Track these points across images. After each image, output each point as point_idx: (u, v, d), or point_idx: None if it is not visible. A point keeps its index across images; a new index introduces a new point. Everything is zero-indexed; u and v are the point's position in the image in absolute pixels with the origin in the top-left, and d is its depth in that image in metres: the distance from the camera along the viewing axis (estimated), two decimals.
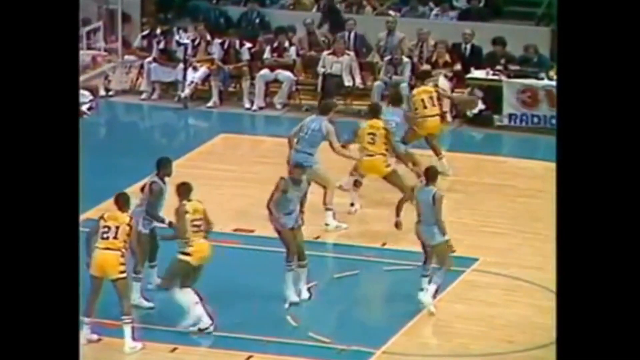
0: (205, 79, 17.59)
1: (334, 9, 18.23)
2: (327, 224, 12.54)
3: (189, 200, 10.24)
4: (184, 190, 10.29)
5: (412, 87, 15.23)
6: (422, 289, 10.75)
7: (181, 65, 17.68)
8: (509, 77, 16.50)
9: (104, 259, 9.86)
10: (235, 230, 12.57)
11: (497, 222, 12.78)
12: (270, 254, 11.86)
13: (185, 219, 10.09)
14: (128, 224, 9.92)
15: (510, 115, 16.37)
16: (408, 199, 11.22)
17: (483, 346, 10.04)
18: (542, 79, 16.42)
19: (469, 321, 10.67)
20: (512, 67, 16.68)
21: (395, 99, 13.77)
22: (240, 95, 17.54)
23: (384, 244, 12.31)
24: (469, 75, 16.78)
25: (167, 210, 10.57)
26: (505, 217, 13.02)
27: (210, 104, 17.44)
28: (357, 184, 13.09)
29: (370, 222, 12.85)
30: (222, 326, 10.27)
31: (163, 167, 10.77)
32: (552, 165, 14.62)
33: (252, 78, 17.43)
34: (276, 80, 17.44)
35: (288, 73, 17.36)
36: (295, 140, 12.50)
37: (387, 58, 17.07)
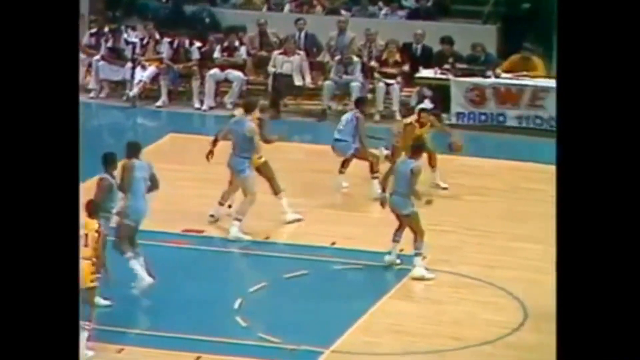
0: (154, 78, 17.53)
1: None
2: (230, 233, 12.33)
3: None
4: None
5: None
6: (389, 253, 11.52)
7: (129, 64, 17.62)
8: (456, 76, 16.64)
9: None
10: (185, 230, 12.57)
11: (444, 220, 12.89)
12: (220, 254, 11.88)
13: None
14: (97, 231, 9.78)
15: (458, 114, 16.50)
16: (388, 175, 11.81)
17: (431, 343, 10.12)
18: (489, 77, 16.57)
19: (416, 318, 10.76)
20: (460, 66, 16.82)
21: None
22: (190, 94, 17.51)
23: (333, 243, 12.38)
24: (417, 75, 16.90)
25: None
26: (453, 215, 13.13)
27: (159, 103, 17.39)
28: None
29: (319, 221, 12.91)
30: (171, 326, 10.27)
31: (110, 162, 10.74)
32: (501, 163, 15.16)
33: (202, 77, 17.41)
34: (226, 80, 17.42)
35: (238, 73, 17.36)
36: (219, 141, 12.49)
37: (337, 57, 17.14)
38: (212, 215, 12.73)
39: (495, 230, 12.74)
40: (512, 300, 11.05)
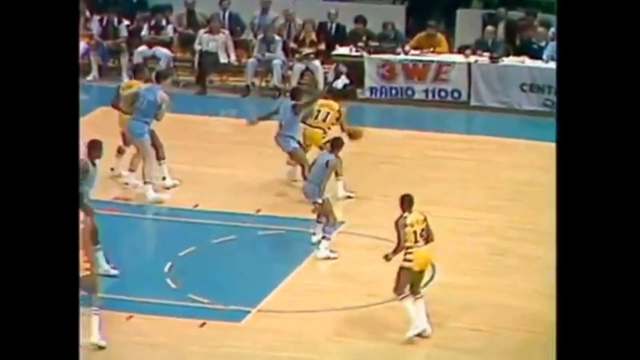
0: (85, 53, 17.21)
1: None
2: (146, 197, 12.29)
3: (410, 212, 9.63)
4: (407, 201, 9.69)
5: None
6: (314, 233, 11.31)
7: None
8: (369, 53, 16.65)
9: None
10: (116, 198, 12.40)
11: (360, 187, 12.92)
12: (148, 222, 11.76)
13: (406, 231, 9.50)
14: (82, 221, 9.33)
15: (371, 89, 16.54)
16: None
17: (348, 301, 10.17)
18: (398, 53, 16.63)
19: (335, 279, 10.81)
20: (372, 44, 16.84)
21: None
22: (120, 70, 17.24)
23: (258, 211, 12.33)
24: (334, 52, 16.87)
25: None
26: (367, 182, 13.18)
27: (90, 77, 17.10)
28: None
29: (247, 190, 12.84)
30: (104, 288, 10.12)
31: (94, 149, 10.52)
32: (410, 133, 15.25)
33: (131, 54, 17.14)
34: (154, 57, 17.18)
35: (165, 50, 17.13)
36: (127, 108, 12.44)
37: (260, 36, 17.01)
38: (126, 183, 12.67)
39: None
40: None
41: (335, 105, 12.94)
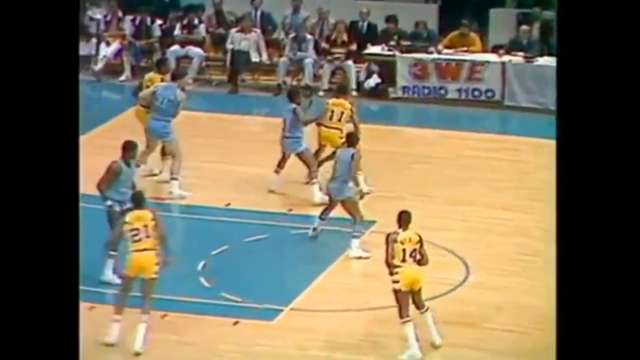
0: (118, 53, 17.38)
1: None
2: (170, 192, 12.46)
3: (406, 229, 9.31)
4: (404, 218, 9.36)
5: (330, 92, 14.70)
6: (314, 229, 11.46)
7: (94, 40, 17.46)
8: (401, 52, 16.69)
9: (143, 260, 9.33)
10: (151, 198, 12.51)
11: (393, 187, 12.96)
12: (181, 220, 11.88)
13: (395, 247, 9.23)
14: (153, 219, 9.42)
15: (403, 88, 16.57)
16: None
17: (380, 300, 10.20)
18: (431, 52, 16.65)
19: (367, 278, 10.85)
20: (404, 43, 16.87)
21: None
22: (152, 69, 17.35)
23: (290, 210, 12.40)
24: (365, 51, 16.92)
25: None
26: (401, 182, 13.21)
27: (122, 77, 17.24)
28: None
29: (279, 189, 12.90)
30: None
31: (127, 150, 10.63)
32: (443, 132, 15.26)
33: (163, 54, 17.28)
34: (186, 56, 17.32)
35: (198, 49, 17.26)
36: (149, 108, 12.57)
37: (291, 35, 17.09)
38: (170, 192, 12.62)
39: (439, 195, 12.85)
40: (455, 259, 11.17)
41: (347, 104, 12.93)
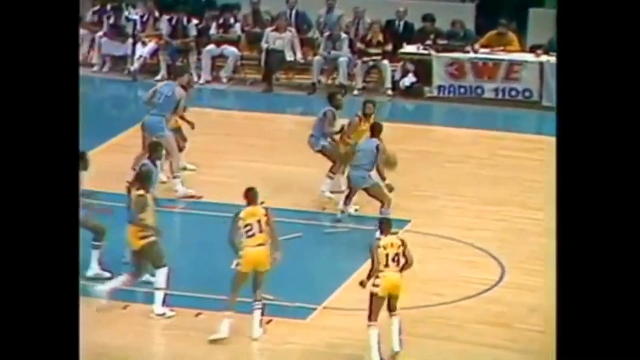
0: (154, 53, 17.59)
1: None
2: (176, 191, 12.55)
3: (388, 234, 9.43)
4: (384, 225, 9.53)
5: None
6: (339, 220, 11.66)
7: (130, 40, 17.68)
8: (437, 51, 16.74)
9: (258, 255, 9.59)
10: (183, 197, 12.68)
11: (428, 187, 13.03)
12: (215, 219, 12.01)
13: (378, 253, 9.33)
14: (265, 214, 9.64)
15: (439, 87, 16.63)
16: None
17: (415, 299, 10.25)
18: (468, 52, 16.69)
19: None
20: (441, 42, 16.93)
21: None
22: (188, 69, 17.55)
23: (324, 208, 12.51)
24: (401, 50, 17.00)
25: None
26: (435, 181, 13.27)
27: (158, 77, 17.42)
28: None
29: (312, 188, 13.01)
30: (174, 285, 10.39)
31: (154, 150, 10.85)
32: (479, 132, 15.28)
33: (199, 53, 17.48)
34: (222, 55, 17.50)
35: (233, 48, 17.43)
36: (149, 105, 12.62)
37: (326, 34, 17.21)
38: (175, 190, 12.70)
39: (473, 195, 12.90)
40: (490, 259, 11.22)
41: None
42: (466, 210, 12.39)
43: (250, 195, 9.75)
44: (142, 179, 10.27)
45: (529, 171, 13.75)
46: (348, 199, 11.91)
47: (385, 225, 9.59)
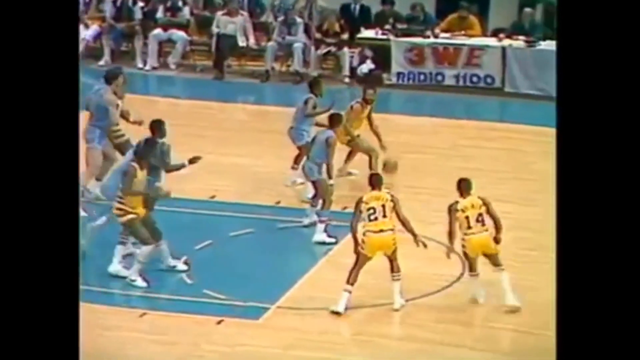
0: (97, 36, 17.32)
1: None
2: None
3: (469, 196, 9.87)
4: (463, 186, 9.92)
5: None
6: (307, 215, 11.61)
7: None
8: (396, 36, 16.66)
9: (381, 240, 9.84)
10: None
11: (386, 178, 12.88)
12: (163, 213, 11.83)
13: (457, 216, 9.80)
14: (391, 200, 9.85)
15: (398, 74, 16.56)
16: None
17: (373, 297, 10.19)
18: (428, 37, 16.61)
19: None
20: (400, 26, 16.84)
21: None
22: (133, 54, 17.32)
23: (278, 202, 12.37)
24: (359, 35, 16.90)
25: None
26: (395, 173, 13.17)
27: (101, 62, 17.19)
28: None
29: (266, 180, 12.88)
30: (136, 288, 10.22)
31: (157, 129, 10.80)
32: (439, 121, 15.26)
33: (145, 37, 17.23)
34: (170, 40, 17.28)
35: (182, 33, 17.22)
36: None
37: (280, 18, 17.04)
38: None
39: (437, 187, 12.82)
40: (451, 254, 11.14)
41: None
42: (428, 203, 12.30)
43: (374, 180, 10.01)
44: (140, 151, 10.34)
45: (492, 161, 13.71)
46: (314, 197, 11.74)
47: (463, 186, 9.89)
